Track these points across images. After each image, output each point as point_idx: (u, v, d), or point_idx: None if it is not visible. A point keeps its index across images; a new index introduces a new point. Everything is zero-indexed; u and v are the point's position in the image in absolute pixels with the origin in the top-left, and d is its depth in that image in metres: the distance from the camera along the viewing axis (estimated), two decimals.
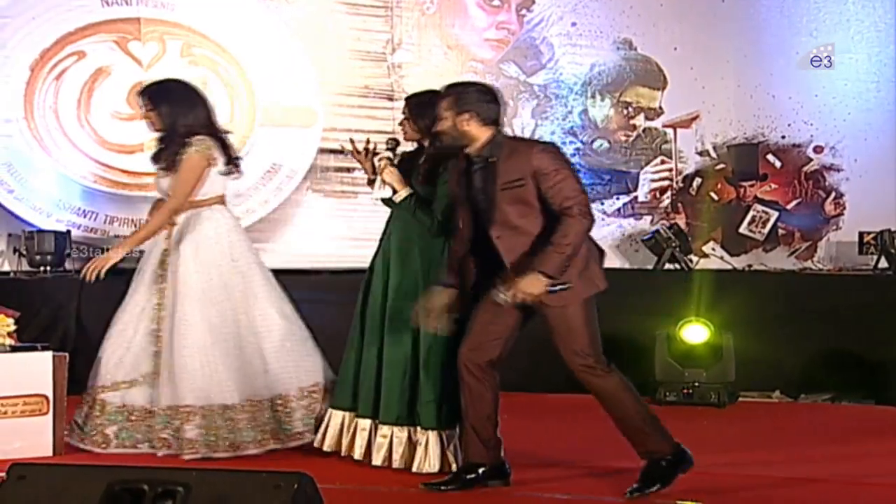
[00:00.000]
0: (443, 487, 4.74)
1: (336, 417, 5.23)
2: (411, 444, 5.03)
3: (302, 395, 5.34)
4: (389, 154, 5.10)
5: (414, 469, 4.98)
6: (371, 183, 5.21)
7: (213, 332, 5.25)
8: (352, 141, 5.33)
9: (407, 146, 5.25)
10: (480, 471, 4.76)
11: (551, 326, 4.59)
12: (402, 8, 8.02)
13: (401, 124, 5.23)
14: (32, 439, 5.27)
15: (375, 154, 5.15)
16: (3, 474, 3.11)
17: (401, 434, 5.04)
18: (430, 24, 8.07)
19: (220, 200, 5.45)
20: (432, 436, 4.99)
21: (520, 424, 6.35)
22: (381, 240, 5.25)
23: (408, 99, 5.29)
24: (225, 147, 5.46)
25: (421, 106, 5.16)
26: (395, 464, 5.01)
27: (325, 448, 5.21)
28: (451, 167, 4.80)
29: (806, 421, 6.64)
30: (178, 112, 5.36)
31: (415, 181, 5.07)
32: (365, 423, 5.12)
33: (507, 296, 4.54)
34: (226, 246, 5.37)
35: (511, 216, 4.56)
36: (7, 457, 4.92)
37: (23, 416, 5.30)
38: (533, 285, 4.50)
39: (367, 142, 5.26)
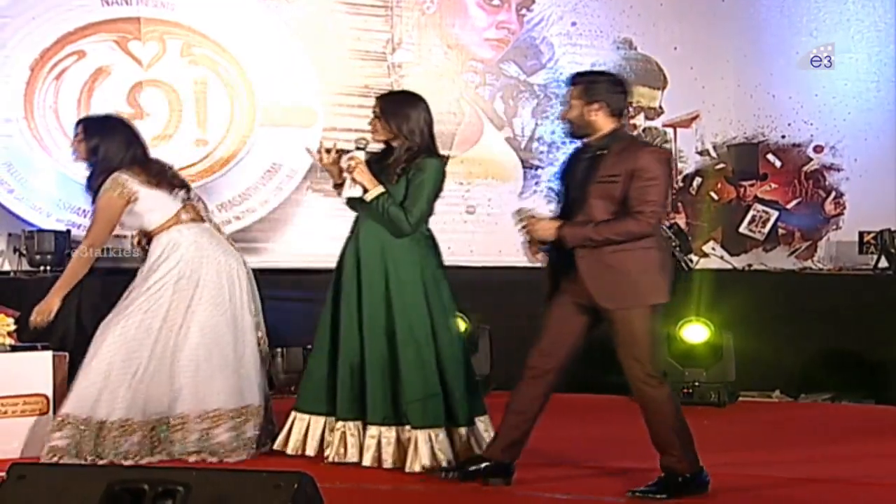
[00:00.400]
0: (443, 475, 4.76)
1: (302, 421, 5.19)
2: (400, 444, 5.03)
3: (202, 419, 5.25)
4: (360, 153, 5.10)
5: (406, 469, 4.98)
6: (338, 187, 5.21)
7: (129, 350, 5.21)
8: (321, 143, 5.31)
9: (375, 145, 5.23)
10: (483, 465, 4.76)
11: (615, 330, 4.60)
12: (402, 8, 8.02)
13: (371, 123, 5.19)
14: (33, 439, 5.27)
15: (346, 152, 5.14)
16: (3, 474, 3.11)
17: (388, 434, 5.04)
18: (430, 24, 8.07)
19: (176, 221, 5.41)
20: (420, 434, 4.99)
21: None
22: (348, 240, 5.23)
23: (380, 97, 5.25)
24: (161, 175, 5.43)
25: (393, 105, 5.15)
26: (386, 464, 5.01)
27: (289, 451, 5.16)
28: (570, 154, 4.80)
29: (806, 421, 6.65)
30: (106, 148, 5.35)
31: (385, 180, 5.06)
32: (351, 426, 5.10)
33: (521, 217, 4.62)
34: (174, 265, 5.33)
35: (597, 210, 4.54)
36: (7, 456, 4.93)
37: (23, 415, 5.31)
38: (545, 229, 4.57)
39: (334, 145, 5.26)
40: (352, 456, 5.07)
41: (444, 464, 4.95)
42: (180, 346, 5.28)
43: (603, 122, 4.60)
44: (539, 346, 4.71)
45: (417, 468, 4.96)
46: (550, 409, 6.85)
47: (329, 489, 3.33)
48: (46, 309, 5.34)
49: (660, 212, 4.55)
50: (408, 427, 5.02)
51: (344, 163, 5.11)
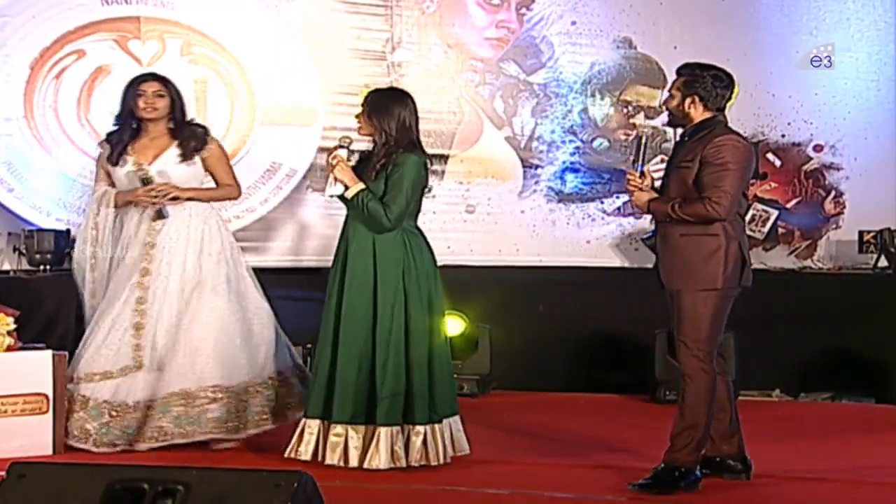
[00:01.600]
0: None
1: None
2: (365, 442, 5.02)
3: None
4: (342, 151, 5.12)
5: (365, 465, 4.98)
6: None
7: (222, 321, 5.44)
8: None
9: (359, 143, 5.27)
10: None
11: (679, 310, 4.71)
12: (401, 7, 8.01)
13: (357, 118, 5.22)
14: (32, 438, 5.28)
15: (333, 150, 5.18)
16: (3, 473, 3.11)
17: (355, 433, 5.03)
18: (429, 23, 8.06)
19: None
20: (384, 431, 4.99)
21: (522, 423, 6.36)
22: (340, 239, 5.25)
23: (368, 93, 5.29)
24: None
25: (377, 101, 5.18)
26: (351, 462, 5.00)
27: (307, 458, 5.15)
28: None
29: (806, 420, 6.65)
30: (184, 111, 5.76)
31: (366, 177, 5.07)
32: (313, 424, 5.10)
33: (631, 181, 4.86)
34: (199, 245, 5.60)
35: (671, 194, 4.76)
36: (7, 455, 4.93)
37: (23, 414, 5.31)
38: (640, 198, 4.81)
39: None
40: (304, 454, 5.06)
41: (402, 461, 4.99)
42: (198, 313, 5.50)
43: (696, 115, 4.76)
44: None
45: (374, 465, 4.96)
46: (551, 408, 6.87)
47: (329, 489, 3.33)
48: (171, 191, 5.56)
49: (727, 201, 4.61)
50: (375, 425, 5.02)
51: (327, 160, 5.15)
